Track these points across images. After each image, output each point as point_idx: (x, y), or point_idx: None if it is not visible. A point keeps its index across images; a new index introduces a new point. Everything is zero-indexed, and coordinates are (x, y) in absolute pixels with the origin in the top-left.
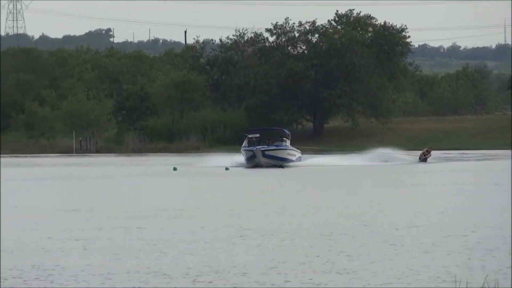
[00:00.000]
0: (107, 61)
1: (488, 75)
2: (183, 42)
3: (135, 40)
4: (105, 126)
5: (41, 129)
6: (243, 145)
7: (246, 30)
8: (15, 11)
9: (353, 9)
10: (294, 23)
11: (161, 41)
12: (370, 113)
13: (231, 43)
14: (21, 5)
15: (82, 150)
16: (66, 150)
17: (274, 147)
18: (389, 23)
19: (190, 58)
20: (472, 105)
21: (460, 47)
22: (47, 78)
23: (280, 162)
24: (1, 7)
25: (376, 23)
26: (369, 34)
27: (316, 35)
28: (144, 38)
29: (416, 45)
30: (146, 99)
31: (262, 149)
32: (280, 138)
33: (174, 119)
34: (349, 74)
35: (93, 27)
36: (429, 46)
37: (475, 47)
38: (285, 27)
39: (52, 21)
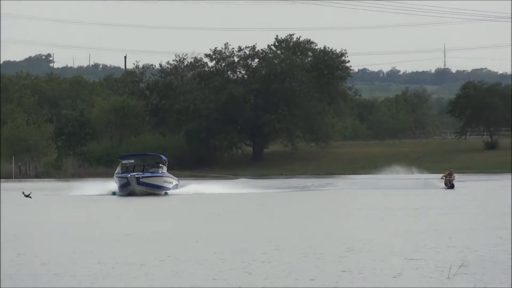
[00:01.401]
0: (47, 86)
1: (427, 99)
2: (123, 67)
3: (75, 65)
4: (45, 151)
5: None
6: (116, 172)
7: (186, 55)
8: None
9: (293, 34)
10: (233, 48)
11: (101, 66)
12: (310, 137)
13: (170, 68)
14: None
15: (22, 175)
16: (6, 175)
17: (150, 174)
18: (328, 47)
19: (130, 83)
20: (411, 129)
21: (399, 71)
22: None
23: (156, 190)
24: None
25: (316, 47)
26: (309, 59)
27: (256, 60)
28: (84, 63)
29: (356, 70)
30: (86, 124)
31: (136, 176)
32: (157, 164)
33: (114, 144)
34: (289, 99)
35: (33, 52)
36: (369, 70)
37: (415, 71)
38: (225, 52)
39: None
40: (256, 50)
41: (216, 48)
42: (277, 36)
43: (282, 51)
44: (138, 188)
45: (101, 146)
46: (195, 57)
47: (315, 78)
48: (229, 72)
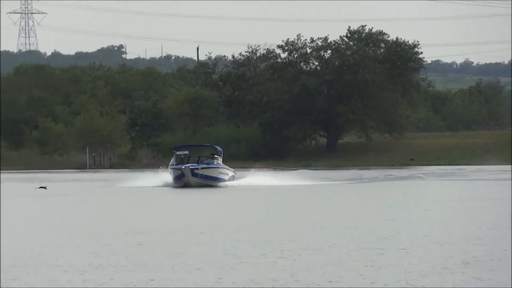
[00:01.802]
0: (119, 77)
1: (501, 90)
2: (196, 58)
3: (148, 57)
4: (119, 142)
5: (55, 146)
6: (170, 163)
7: (259, 46)
8: (27, 28)
9: (365, 25)
10: (306, 39)
11: (173, 57)
12: (384, 128)
13: (243, 60)
14: (33, 21)
15: (96, 165)
16: (80, 166)
17: (205, 165)
18: (401, 39)
19: (203, 75)
20: (485, 120)
21: (473, 63)
22: (60, 95)
23: (211, 182)
24: (13, 24)
25: (388, 39)
26: (382, 50)
27: (329, 51)
28: (157, 54)
29: (429, 61)
30: (159, 116)
31: (191, 167)
32: (212, 156)
33: (187, 135)
34: (362, 90)
35: (105, 43)
36: (442, 62)
37: (488, 63)
38: (297, 44)
39: (65, 38)
40: (329, 41)
41: (288, 39)
42: (349, 27)
43: (355, 42)
44: (193, 180)
45: (175, 137)
46: (268, 48)
47: (388, 70)
48: (302, 63)
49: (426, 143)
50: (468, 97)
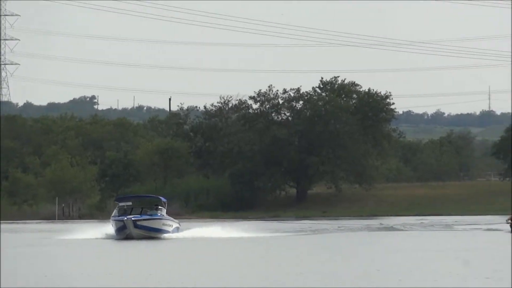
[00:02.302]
0: (91, 128)
1: (472, 141)
2: (168, 109)
3: (120, 107)
4: (88, 192)
5: (25, 196)
6: (112, 214)
7: (231, 97)
8: None
9: (338, 76)
10: (278, 90)
11: (145, 108)
12: (353, 179)
13: (215, 110)
14: (6, 72)
15: (65, 216)
16: (49, 217)
17: (148, 217)
18: (373, 90)
19: (174, 125)
20: (455, 171)
21: (444, 113)
22: (31, 145)
23: (154, 234)
24: None
25: (361, 90)
26: (354, 101)
27: (301, 102)
28: (129, 105)
29: (400, 112)
30: (130, 166)
31: (133, 218)
32: (155, 206)
33: (158, 185)
34: (333, 141)
35: (77, 94)
36: (413, 112)
37: (459, 113)
38: (269, 94)
39: (37, 88)
40: (301, 92)
41: (260, 90)
42: (322, 78)
43: (327, 93)
44: (135, 232)
45: (145, 188)
46: (240, 99)
47: (360, 120)
48: (273, 114)
49: (396, 193)
50: (439, 148)
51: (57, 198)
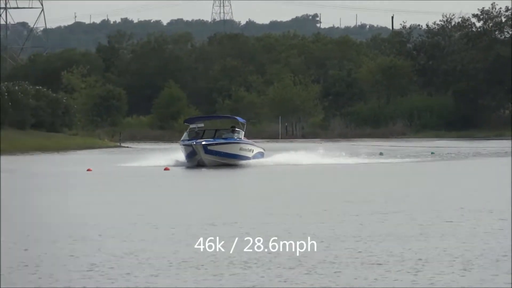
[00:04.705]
0: (313, 46)
1: None
2: (390, 27)
3: (342, 26)
4: (311, 111)
5: (247, 115)
6: (182, 138)
7: (453, 15)
8: None
9: None
10: (500, 8)
11: (367, 26)
12: None
13: (438, 29)
14: None
15: (288, 135)
16: (272, 136)
17: (222, 140)
18: None
19: (397, 44)
20: None
21: None
22: (254, 64)
23: (229, 160)
24: None
25: None
26: None
27: None
28: (351, 23)
29: None
30: (353, 85)
31: (204, 143)
32: (232, 129)
33: (381, 104)
34: None
35: (299, 12)
36: None
37: None
38: (492, 13)
39: (259, 7)
40: None
41: (483, 8)
42: None
43: None
44: (207, 158)
45: (368, 106)
46: (463, 17)
47: None
48: (496, 32)
49: None
50: None
51: (279, 117)
